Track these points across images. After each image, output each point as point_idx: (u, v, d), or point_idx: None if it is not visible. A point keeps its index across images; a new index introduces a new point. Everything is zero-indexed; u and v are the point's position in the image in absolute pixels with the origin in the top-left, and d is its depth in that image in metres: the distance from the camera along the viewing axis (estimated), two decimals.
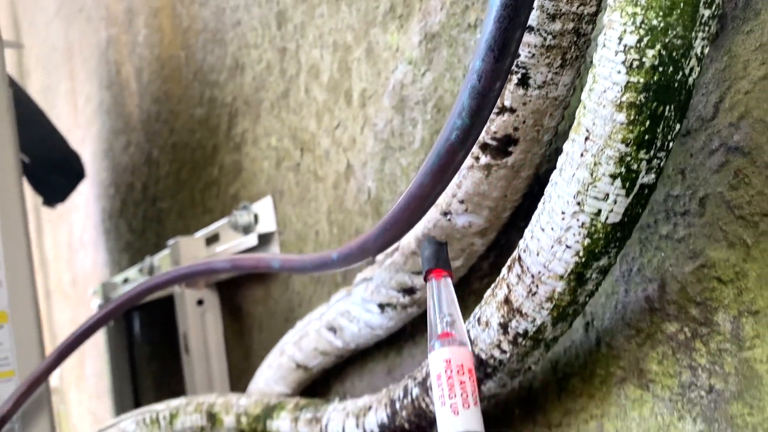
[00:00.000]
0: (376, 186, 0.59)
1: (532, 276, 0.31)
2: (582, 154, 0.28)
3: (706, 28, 0.27)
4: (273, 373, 0.67)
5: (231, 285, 0.88)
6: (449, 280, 0.33)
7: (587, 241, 0.29)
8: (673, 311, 0.36)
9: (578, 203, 0.29)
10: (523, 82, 0.33)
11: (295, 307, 0.74)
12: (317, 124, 0.66)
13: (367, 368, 0.62)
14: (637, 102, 0.27)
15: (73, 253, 1.86)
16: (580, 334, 0.41)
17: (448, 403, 0.30)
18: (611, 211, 0.28)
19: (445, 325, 0.31)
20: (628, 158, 0.27)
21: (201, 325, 0.90)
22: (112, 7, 1.30)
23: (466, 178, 0.37)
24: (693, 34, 0.26)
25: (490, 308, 0.34)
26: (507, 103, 0.34)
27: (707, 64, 0.33)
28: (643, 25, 0.26)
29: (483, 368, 0.36)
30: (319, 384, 0.68)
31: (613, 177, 0.28)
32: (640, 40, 0.26)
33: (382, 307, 0.50)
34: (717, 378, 0.34)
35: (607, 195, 0.28)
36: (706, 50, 0.27)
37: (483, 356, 0.35)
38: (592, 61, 0.29)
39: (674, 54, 0.26)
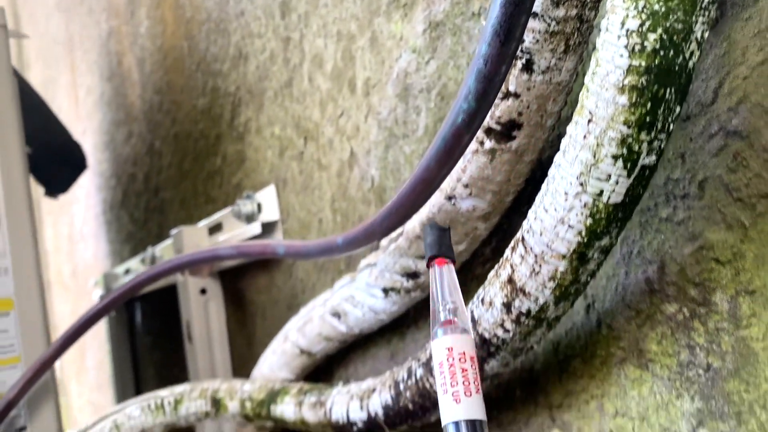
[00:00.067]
0: (379, 174, 0.59)
1: (536, 256, 0.32)
2: (585, 136, 0.29)
3: (706, 13, 0.27)
4: (277, 359, 0.68)
5: (234, 274, 0.89)
6: (452, 266, 0.33)
7: (589, 221, 0.30)
8: (672, 292, 0.37)
9: (581, 184, 0.29)
10: (528, 67, 0.34)
11: (299, 294, 0.75)
12: (321, 112, 0.67)
13: (370, 353, 0.63)
14: (639, 85, 0.27)
15: (73, 245, 1.86)
16: (581, 316, 0.42)
17: (450, 391, 0.30)
18: (613, 191, 0.29)
19: (448, 313, 0.32)
20: (630, 140, 0.28)
21: (204, 313, 0.90)
22: None
23: (470, 163, 0.38)
24: (693, 18, 0.27)
25: (493, 288, 0.35)
26: (511, 88, 0.34)
27: (707, 51, 0.34)
28: (645, 10, 0.27)
29: (486, 347, 0.37)
30: (323, 370, 0.69)
31: (615, 158, 0.29)
32: (642, 25, 0.27)
33: (386, 291, 0.51)
34: (714, 356, 0.35)
35: (609, 176, 0.29)
36: (706, 35, 0.28)
37: (486, 335, 0.36)
38: (595, 47, 0.30)
39: (675, 38, 0.27)
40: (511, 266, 0.34)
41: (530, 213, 0.33)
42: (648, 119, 0.28)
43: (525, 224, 0.33)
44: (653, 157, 0.29)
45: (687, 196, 0.35)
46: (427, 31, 0.51)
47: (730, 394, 0.34)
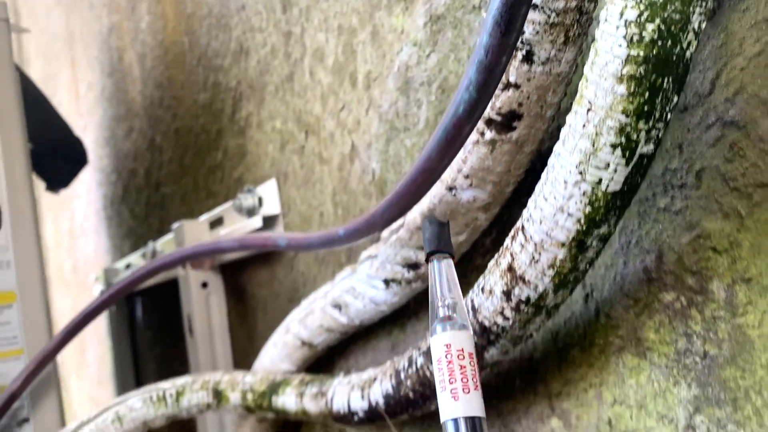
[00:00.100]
0: (380, 167, 0.60)
1: (535, 244, 0.33)
2: (584, 125, 0.29)
3: (704, 4, 0.28)
4: (278, 351, 0.68)
5: (235, 267, 0.89)
6: (451, 261, 0.33)
7: (588, 209, 0.31)
8: (669, 281, 0.37)
9: (580, 172, 0.30)
10: (528, 58, 0.34)
11: (300, 288, 0.75)
12: (322, 106, 0.67)
13: (371, 345, 0.63)
14: (637, 74, 0.28)
15: (74, 241, 1.87)
16: (579, 306, 0.43)
17: (448, 388, 0.30)
18: (612, 179, 0.30)
19: (447, 309, 0.32)
20: (628, 128, 0.29)
21: (205, 307, 0.91)
22: None
23: (471, 153, 0.39)
24: (691, 9, 0.27)
25: (493, 277, 0.36)
26: (512, 79, 0.35)
27: (704, 42, 0.34)
28: (643, 1, 0.27)
29: (486, 335, 0.37)
30: (324, 362, 0.70)
31: (614, 147, 0.29)
32: (640, 15, 0.27)
33: (387, 282, 0.52)
34: (711, 344, 0.35)
35: (608, 164, 0.29)
36: (704, 25, 0.29)
37: (486, 323, 0.37)
38: (594, 38, 0.31)
39: (673, 28, 0.27)
40: (511, 255, 0.34)
41: (530, 202, 0.33)
42: (646, 108, 0.28)
43: (525, 213, 0.34)
44: (651, 146, 0.30)
45: (684, 186, 0.36)
46: (428, 24, 0.52)
47: (727, 381, 0.35)
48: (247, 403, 0.66)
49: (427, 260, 0.34)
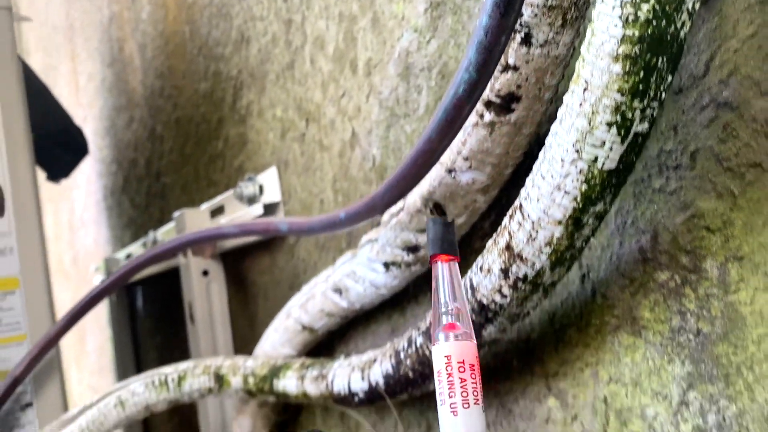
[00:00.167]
0: (380, 153, 0.60)
1: (533, 222, 0.33)
2: (581, 104, 0.30)
3: None
4: (279, 336, 0.69)
5: (236, 255, 0.90)
6: (456, 265, 0.32)
7: (584, 187, 0.31)
8: (664, 260, 0.38)
9: (577, 151, 0.31)
10: (526, 40, 0.35)
11: (300, 274, 0.76)
12: (322, 94, 0.68)
13: (371, 330, 0.64)
14: (632, 54, 0.29)
15: (74, 232, 1.87)
16: (576, 286, 0.43)
17: (447, 402, 0.29)
18: (607, 158, 0.31)
19: (449, 317, 0.31)
20: (624, 107, 0.29)
21: (206, 294, 0.92)
22: None
23: (470, 136, 0.39)
24: None
25: (492, 255, 0.37)
26: (511, 61, 0.36)
27: (699, 25, 0.35)
28: None
29: (484, 313, 0.38)
30: (324, 347, 0.71)
31: (610, 125, 0.30)
32: None
33: (386, 266, 0.52)
34: (704, 321, 0.36)
35: (604, 142, 0.30)
36: (697, 5, 0.29)
37: (484, 301, 0.37)
38: (591, 19, 0.31)
39: (667, 8, 0.28)
40: (509, 233, 0.35)
41: (528, 180, 0.34)
42: (641, 87, 0.29)
43: (523, 192, 0.34)
44: (646, 125, 0.30)
45: (679, 166, 0.37)
46: (428, 10, 0.52)
47: (719, 357, 0.36)
48: (248, 387, 0.67)
49: (431, 262, 0.32)
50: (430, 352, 0.44)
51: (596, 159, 0.31)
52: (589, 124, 0.30)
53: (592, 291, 0.42)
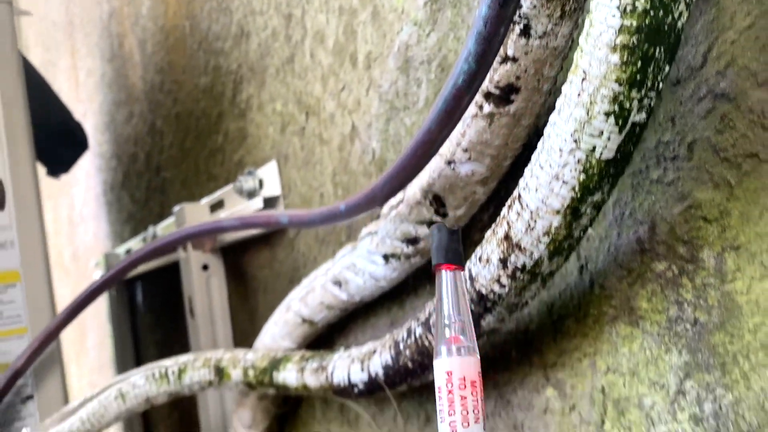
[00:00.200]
0: (380, 146, 0.61)
1: (531, 212, 0.34)
2: (579, 94, 0.30)
3: None
4: (279, 329, 0.69)
5: (236, 250, 0.90)
6: (460, 274, 0.31)
7: (582, 176, 0.32)
8: (662, 251, 0.38)
9: (575, 140, 0.31)
10: (525, 32, 0.35)
11: (300, 268, 0.76)
12: (322, 87, 0.68)
13: (370, 323, 0.65)
14: (630, 44, 0.29)
15: (73, 228, 1.88)
16: (574, 277, 0.44)
17: (447, 420, 0.29)
18: (605, 147, 0.31)
19: (453, 330, 0.30)
20: (621, 97, 0.30)
21: (206, 289, 0.92)
22: None
23: (470, 127, 0.40)
24: None
25: (490, 246, 0.37)
26: (510, 53, 0.36)
27: (697, 17, 0.35)
28: None
29: (483, 303, 0.38)
30: (323, 341, 0.71)
31: (608, 115, 0.30)
32: None
33: (386, 258, 0.53)
34: (701, 311, 0.37)
35: (602, 132, 0.30)
36: None
37: (483, 291, 0.38)
38: (589, 10, 0.31)
39: None
40: (508, 223, 0.35)
41: (526, 170, 0.34)
42: (638, 77, 0.29)
43: (521, 182, 0.35)
44: (643, 115, 0.31)
45: (677, 157, 0.37)
46: (428, 3, 0.52)
47: (716, 347, 0.36)
48: (248, 380, 0.67)
49: (434, 271, 0.31)
50: (429, 343, 0.44)
51: (594, 149, 0.31)
52: (587, 114, 0.30)
53: (590, 282, 0.43)
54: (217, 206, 0.90)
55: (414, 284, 0.58)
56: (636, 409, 0.40)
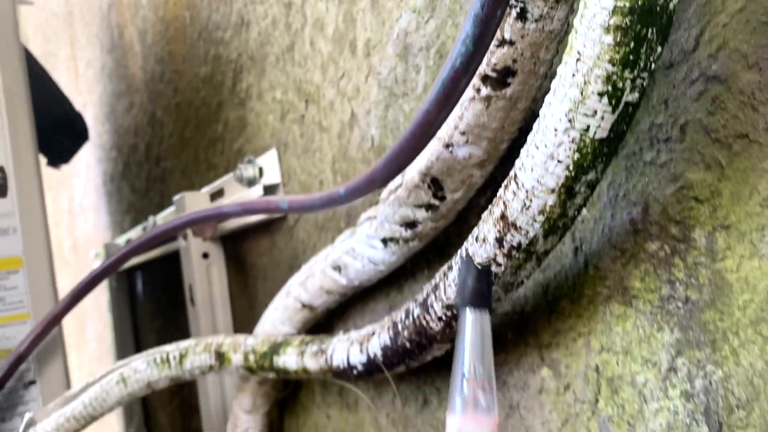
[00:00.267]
0: (379, 133, 0.62)
1: (527, 191, 0.35)
2: (573, 75, 0.31)
3: None
4: (279, 315, 0.70)
5: (236, 238, 0.91)
6: (487, 317, 0.27)
7: (577, 155, 0.32)
8: (654, 231, 0.39)
9: (569, 120, 0.32)
10: (522, 15, 0.36)
11: (300, 255, 0.77)
12: (322, 75, 0.69)
13: (369, 307, 0.66)
14: (623, 25, 0.30)
15: (73, 219, 1.88)
16: (569, 259, 0.45)
17: None
18: (599, 126, 0.32)
19: (472, 385, 0.27)
20: (615, 77, 0.30)
21: (206, 277, 0.93)
22: None
23: (467, 110, 0.41)
24: None
25: (487, 225, 0.38)
26: (506, 36, 0.37)
27: (690, 1, 0.36)
28: None
29: None
30: (323, 327, 0.72)
31: (601, 95, 0.31)
32: None
33: (385, 242, 0.53)
34: (692, 289, 0.37)
35: (596, 112, 0.31)
36: None
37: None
38: None
39: None
40: (504, 203, 0.36)
41: (522, 151, 0.35)
42: (631, 57, 0.30)
43: (518, 162, 0.35)
44: (636, 95, 0.31)
45: (669, 139, 0.38)
46: None
47: (706, 324, 0.37)
48: (248, 364, 0.68)
49: (458, 309, 0.27)
50: (428, 323, 0.45)
51: (588, 128, 0.32)
52: (582, 94, 0.31)
53: (585, 263, 0.44)
54: (217, 195, 0.91)
55: (412, 269, 0.59)
56: (629, 386, 0.41)
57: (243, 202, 0.64)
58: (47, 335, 0.76)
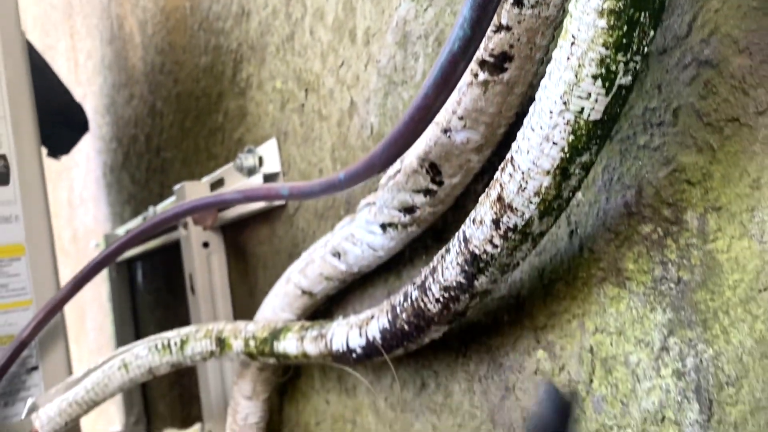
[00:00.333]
0: (378, 121, 0.62)
1: (523, 173, 0.35)
2: (568, 58, 0.32)
3: None
4: (279, 301, 0.71)
5: (236, 227, 0.92)
6: None
7: (572, 137, 0.33)
8: (648, 213, 0.40)
9: (564, 102, 0.33)
10: (518, 1, 0.37)
11: (299, 244, 0.78)
12: (322, 64, 0.69)
13: (368, 293, 0.66)
14: (617, 9, 0.30)
15: (73, 210, 1.89)
16: (565, 242, 0.46)
17: None
18: (593, 109, 0.32)
19: None
20: (608, 60, 0.31)
21: (206, 266, 0.94)
22: None
23: (465, 95, 0.41)
24: None
25: (483, 207, 0.38)
26: (503, 22, 0.37)
27: None
28: None
29: (476, 263, 0.40)
30: (322, 313, 0.73)
31: (595, 78, 0.32)
32: None
33: (384, 227, 0.54)
34: (684, 270, 0.38)
35: (590, 94, 0.32)
36: None
37: (477, 252, 0.39)
38: None
39: None
40: (501, 185, 0.37)
41: (519, 133, 0.36)
42: (624, 41, 0.31)
43: (514, 145, 0.36)
44: (629, 78, 0.32)
45: (662, 123, 0.39)
46: None
47: (698, 304, 0.38)
48: (249, 350, 0.69)
49: None
50: (425, 305, 0.46)
51: (582, 110, 0.32)
52: (576, 76, 0.32)
53: (580, 246, 0.44)
54: (217, 184, 0.91)
55: (410, 255, 0.60)
56: (622, 366, 0.42)
57: (244, 189, 0.64)
58: (49, 321, 0.77)
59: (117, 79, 1.38)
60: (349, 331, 0.56)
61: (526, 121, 0.35)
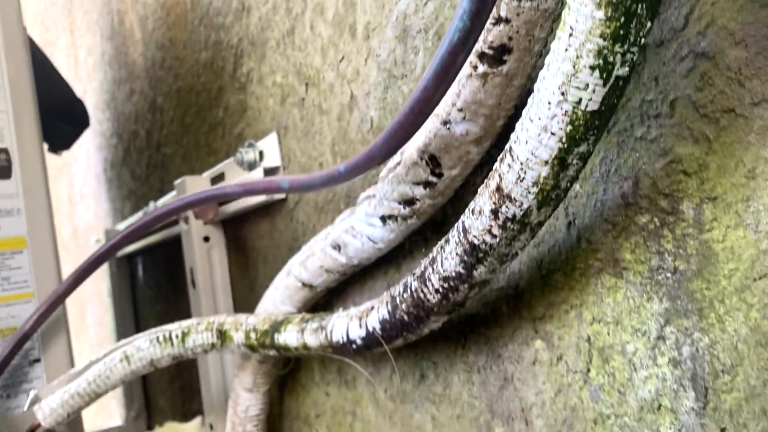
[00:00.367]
0: (378, 115, 0.63)
1: (521, 163, 0.36)
2: (566, 49, 0.32)
3: None
4: (280, 294, 0.72)
5: (236, 221, 0.92)
6: None
7: (569, 128, 0.34)
8: (645, 204, 0.40)
9: (562, 93, 0.33)
10: None
11: (300, 237, 0.79)
12: (322, 58, 0.70)
13: (368, 286, 0.67)
14: (614, 0, 0.31)
15: (73, 206, 1.89)
16: (563, 234, 0.46)
17: None
18: (590, 99, 0.33)
19: None
20: (606, 51, 0.32)
21: (207, 260, 0.94)
22: None
23: (464, 87, 0.42)
24: None
25: (482, 198, 0.39)
26: (502, 14, 0.38)
27: None
28: None
29: (475, 253, 0.40)
30: (322, 306, 0.73)
31: (593, 68, 0.32)
32: None
33: (383, 219, 0.55)
34: (681, 260, 0.39)
35: (587, 85, 0.32)
36: None
37: (475, 242, 0.40)
38: None
39: None
40: (499, 175, 0.37)
41: (517, 124, 0.36)
42: (622, 32, 0.31)
43: (513, 136, 0.37)
44: (626, 69, 0.33)
45: (659, 115, 0.39)
46: None
47: (694, 293, 0.38)
48: (250, 342, 0.69)
49: None
50: (425, 296, 0.46)
51: (580, 101, 0.33)
52: (574, 67, 0.32)
53: (578, 237, 0.45)
54: (217, 179, 0.92)
55: (410, 247, 0.60)
56: (619, 356, 0.43)
57: (244, 182, 0.65)
58: (51, 314, 0.77)
59: (117, 74, 1.38)
60: (349, 323, 0.56)
61: (524, 112, 0.36)
